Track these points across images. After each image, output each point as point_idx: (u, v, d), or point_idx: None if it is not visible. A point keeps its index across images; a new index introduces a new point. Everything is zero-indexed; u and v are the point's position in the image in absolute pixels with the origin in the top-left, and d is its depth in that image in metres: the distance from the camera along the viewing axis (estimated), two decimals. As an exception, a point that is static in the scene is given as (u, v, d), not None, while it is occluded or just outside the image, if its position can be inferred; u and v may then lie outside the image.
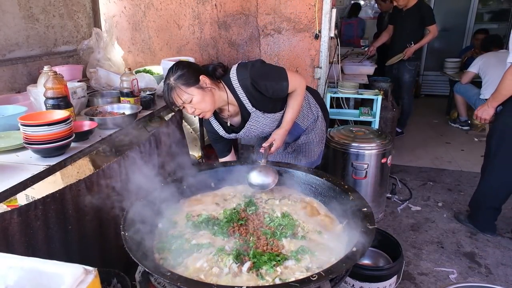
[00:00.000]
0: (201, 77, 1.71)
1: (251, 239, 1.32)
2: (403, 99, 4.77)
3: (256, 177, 1.67)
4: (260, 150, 1.90)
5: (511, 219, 3.05)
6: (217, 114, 1.96)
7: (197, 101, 1.70)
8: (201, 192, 1.70)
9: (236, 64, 1.83)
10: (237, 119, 1.96)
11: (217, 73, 1.83)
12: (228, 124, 1.97)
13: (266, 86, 1.79)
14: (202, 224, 1.42)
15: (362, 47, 5.88)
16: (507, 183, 2.68)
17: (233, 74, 1.80)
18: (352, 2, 7.62)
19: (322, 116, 2.18)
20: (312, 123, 2.14)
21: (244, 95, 1.81)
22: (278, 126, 1.96)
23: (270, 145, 1.88)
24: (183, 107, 1.73)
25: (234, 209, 1.52)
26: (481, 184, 2.83)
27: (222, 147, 2.13)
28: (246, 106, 1.84)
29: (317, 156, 2.20)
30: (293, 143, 2.16)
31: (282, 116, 1.95)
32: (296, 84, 1.87)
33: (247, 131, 1.94)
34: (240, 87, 1.80)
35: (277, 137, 1.89)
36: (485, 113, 2.60)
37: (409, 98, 4.84)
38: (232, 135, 2.00)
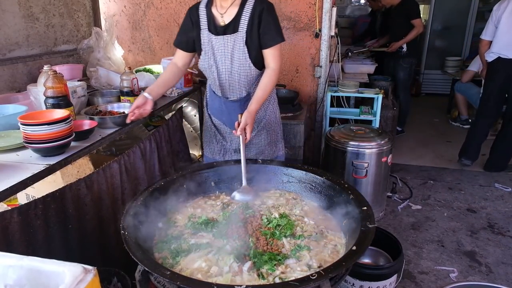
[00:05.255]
0: None
1: (250, 240, 1.32)
2: (399, 97, 4.77)
3: (239, 197, 1.59)
4: (236, 135, 1.73)
5: (511, 218, 3.06)
6: (210, 9, 1.92)
7: None
8: (201, 192, 1.69)
9: None
10: (224, 23, 1.90)
11: None
12: (222, 23, 1.89)
13: (268, 24, 1.84)
14: (201, 225, 1.42)
15: (368, 40, 5.89)
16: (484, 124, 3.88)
17: None
18: None
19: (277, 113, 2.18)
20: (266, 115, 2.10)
21: (248, 15, 1.84)
22: (245, 102, 1.91)
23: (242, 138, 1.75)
24: None
25: (233, 211, 1.51)
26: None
27: (185, 39, 2.00)
28: (241, 23, 1.85)
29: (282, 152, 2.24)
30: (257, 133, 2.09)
31: (253, 91, 1.93)
32: (278, 61, 1.90)
33: (223, 41, 1.88)
34: (251, 6, 1.84)
35: (250, 121, 1.75)
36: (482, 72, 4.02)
37: (405, 96, 4.82)
38: (209, 34, 1.91)
